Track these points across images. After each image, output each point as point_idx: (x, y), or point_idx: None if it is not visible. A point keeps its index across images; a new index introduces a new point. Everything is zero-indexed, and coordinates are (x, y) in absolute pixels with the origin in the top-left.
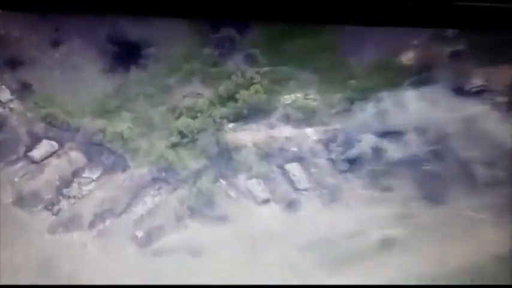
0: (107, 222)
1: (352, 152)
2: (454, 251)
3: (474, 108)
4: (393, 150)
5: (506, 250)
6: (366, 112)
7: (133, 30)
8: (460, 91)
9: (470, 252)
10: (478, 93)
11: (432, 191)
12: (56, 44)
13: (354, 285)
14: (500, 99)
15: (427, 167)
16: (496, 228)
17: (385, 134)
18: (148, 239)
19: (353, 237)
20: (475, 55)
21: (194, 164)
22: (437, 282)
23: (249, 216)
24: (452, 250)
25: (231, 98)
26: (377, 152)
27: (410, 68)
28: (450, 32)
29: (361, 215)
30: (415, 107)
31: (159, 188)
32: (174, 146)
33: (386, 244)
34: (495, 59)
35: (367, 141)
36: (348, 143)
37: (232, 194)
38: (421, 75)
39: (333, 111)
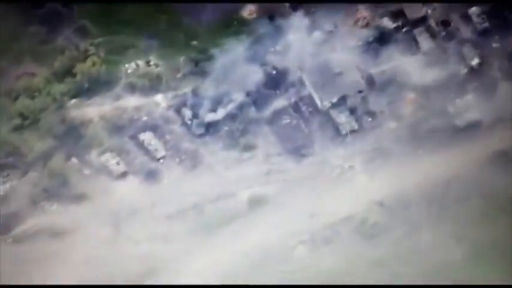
0: None
1: (207, 115)
2: (327, 201)
3: None
4: (251, 108)
5: (380, 195)
6: (215, 73)
7: None
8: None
9: (345, 200)
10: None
11: (295, 144)
12: None
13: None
14: None
15: (287, 121)
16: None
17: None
18: (6, 227)
19: (221, 200)
20: None
21: (41, 146)
22: (315, 235)
23: (107, 192)
24: (325, 201)
25: (68, 73)
26: (233, 112)
27: (252, 21)
28: None
29: (226, 176)
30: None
31: (8, 175)
32: (16, 129)
33: (255, 203)
34: None
35: (220, 102)
36: (201, 106)
37: (87, 171)
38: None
39: (179, 75)
